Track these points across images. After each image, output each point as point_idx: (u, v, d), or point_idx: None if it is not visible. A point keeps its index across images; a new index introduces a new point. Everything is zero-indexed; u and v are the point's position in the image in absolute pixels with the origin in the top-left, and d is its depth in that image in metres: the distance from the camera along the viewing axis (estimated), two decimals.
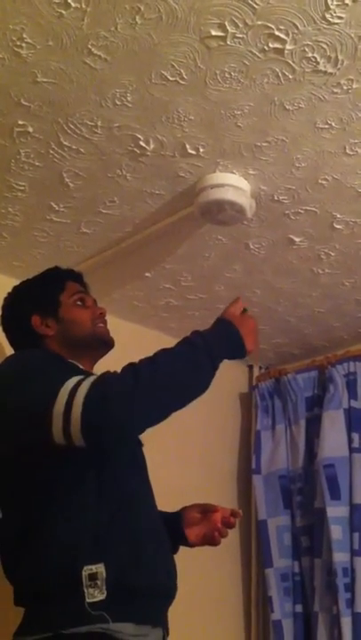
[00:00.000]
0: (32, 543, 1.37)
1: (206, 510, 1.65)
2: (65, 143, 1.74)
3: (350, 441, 2.59)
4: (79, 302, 1.69)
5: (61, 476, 1.40)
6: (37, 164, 1.82)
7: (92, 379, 1.35)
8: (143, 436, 1.64)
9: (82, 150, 1.77)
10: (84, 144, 1.75)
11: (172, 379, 1.39)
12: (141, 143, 1.74)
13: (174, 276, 2.40)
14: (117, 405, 1.31)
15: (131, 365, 1.39)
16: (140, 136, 1.72)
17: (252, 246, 2.22)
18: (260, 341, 2.91)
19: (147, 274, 2.39)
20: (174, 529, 1.61)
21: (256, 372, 3.17)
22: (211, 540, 1.63)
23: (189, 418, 2.84)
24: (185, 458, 2.76)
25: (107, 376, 1.38)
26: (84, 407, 1.29)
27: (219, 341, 1.49)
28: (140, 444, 1.62)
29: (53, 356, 1.58)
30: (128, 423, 1.34)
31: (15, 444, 1.41)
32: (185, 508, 1.68)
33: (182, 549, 1.68)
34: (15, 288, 1.75)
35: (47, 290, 1.69)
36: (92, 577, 1.32)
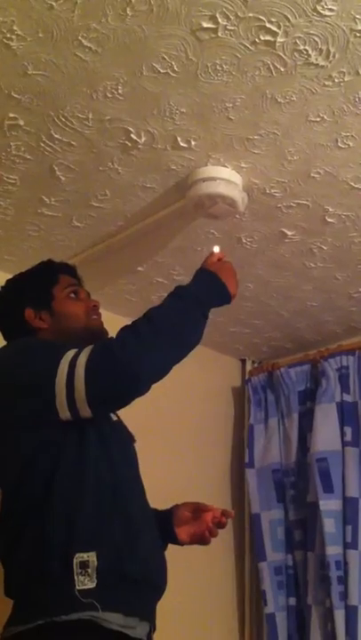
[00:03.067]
0: (28, 529, 1.38)
1: (198, 509, 1.65)
2: (56, 136, 1.74)
3: (343, 435, 2.59)
4: (72, 295, 1.69)
5: (58, 464, 1.41)
6: (28, 157, 1.81)
7: (90, 347, 1.40)
8: (136, 432, 1.65)
9: (73, 143, 1.77)
10: (76, 137, 1.74)
11: (167, 329, 1.44)
12: (133, 136, 1.74)
13: (167, 269, 2.39)
14: (119, 362, 1.35)
15: (124, 327, 1.44)
16: (131, 129, 1.72)
17: (244, 240, 2.22)
18: (253, 334, 2.92)
19: (139, 268, 2.39)
20: (165, 527, 1.61)
21: (249, 366, 3.17)
22: (201, 540, 1.64)
23: (183, 412, 2.86)
24: (178, 452, 2.76)
25: (103, 341, 1.44)
26: (86, 371, 1.34)
27: (203, 290, 1.56)
28: (132, 440, 1.63)
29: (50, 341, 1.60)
30: (131, 378, 1.37)
31: (20, 424, 1.43)
32: (176, 506, 1.68)
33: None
34: (8, 282, 1.75)
35: (40, 283, 1.69)
36: (83, 565, 1.33)
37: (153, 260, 2.34)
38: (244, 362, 3.21)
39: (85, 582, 1.32)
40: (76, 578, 1.32)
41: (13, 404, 1.44)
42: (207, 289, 1.57)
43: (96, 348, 1.39)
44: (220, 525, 1.62)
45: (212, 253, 1.69)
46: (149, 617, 1.45)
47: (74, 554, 1.33)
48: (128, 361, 1.36)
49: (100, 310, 1.73)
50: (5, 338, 1.69)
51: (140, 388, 1.40)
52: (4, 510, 1.46)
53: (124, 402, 1.42)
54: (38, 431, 1.43)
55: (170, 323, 1.45)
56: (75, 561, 1.33)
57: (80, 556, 1.33)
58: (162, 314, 1.47)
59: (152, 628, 1.46)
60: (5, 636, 1.35)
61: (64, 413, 1.37)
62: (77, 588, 1.31)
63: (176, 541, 1.64)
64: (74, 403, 1.36)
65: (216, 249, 1.70)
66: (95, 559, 1.34)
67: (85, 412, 1.37)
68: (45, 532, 1.35)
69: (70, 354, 1.39)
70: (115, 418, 1.59)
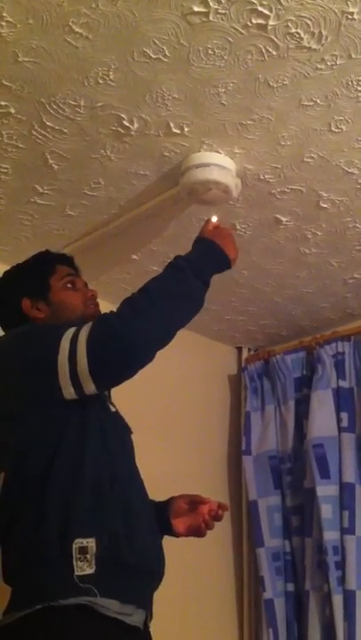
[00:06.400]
0: (26, 515, 1.38)
1: (194, 501, 1.66)
2: (48, 124, 1.73)
3: (339, 420, 2.60)
4: (69, 285, 1.69)
5: (57, 452, 1.41)
6: (21, 145, 1.80)
7: (90, 322, 1.42)
8: (133, 421, 1.64)
9: (65, 131, 1.75)
10: (68, 124, 1.73)
11: (163, 298, 1.46)
12: (125, 123, 1.73)
13: (161, 257, 2.38)
14: (117, 332, 1.37)
15: (123, 300, 1.46)
16: (123, 115, 1.71)
17: (238, 227, 2.21)
18: (248, 322, 2.92)
19: (134, 256, 2.38)
20: (161, 518, 1.62)
21: (245, 353, 3.17)
22: (197, 532, 1.65)
23: (179, 400, 2.86)
24: (175, 440, 2.77)
25: (103, 314, 1.45)
26: (87, 343, 1.36)
27: (201, 257, 1.57)
28: (129, 431, 1.63)
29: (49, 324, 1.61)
30: (129, 347, 1.38)
31: (21, 409, 1.44)
32: (173, 497, 1.68)
33: None
34: (5, 272, 1.76)
35: (37, 273, 1.70)
36: (82, 550, 1.33)
37: (147, 248, 2.33)
38: (240, 350, 3.21)
39: (84, 568, 1.32)
40: (75, 563, 1.32)
41: (16, 388, 1.44)
42: (205, 256, 1.59)
43: (95, 321, 1.42)
44: (217, 518, 1.64)
45: (208, 221, 1.69)
46: (146, 605, 1.45)
47: (73, 539, 1.33)
48: (124, 331, 1.37)
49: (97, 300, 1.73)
50: (3, 328, 1.70)
51: (139, 358, 1.41)
52: (2, 495, 1.46)
53: (126, 372, 1.43)
54: (39, 419, 1.43)
55: (166, 292, 1.47)
56: (74, 546, 1.33)
57: (79, 542, 1.34)
58: (158, 283, 1.49)
59: (148, 616, 1.46)
60: (4, 622, 1.35)
61: (67, 390, 1.38)
62: (76, 573, 1.32)
63: (172, 533, 1.65)
64: (77, 377, 1.37)
65: (214, 218, 1.71)
66: (94, 545, 1.34)
67: (89, 386, 1.38)
68: (44, 518, 1.35)
69: (71, 331, 1.41)
70: (113, 409, 1.59)
